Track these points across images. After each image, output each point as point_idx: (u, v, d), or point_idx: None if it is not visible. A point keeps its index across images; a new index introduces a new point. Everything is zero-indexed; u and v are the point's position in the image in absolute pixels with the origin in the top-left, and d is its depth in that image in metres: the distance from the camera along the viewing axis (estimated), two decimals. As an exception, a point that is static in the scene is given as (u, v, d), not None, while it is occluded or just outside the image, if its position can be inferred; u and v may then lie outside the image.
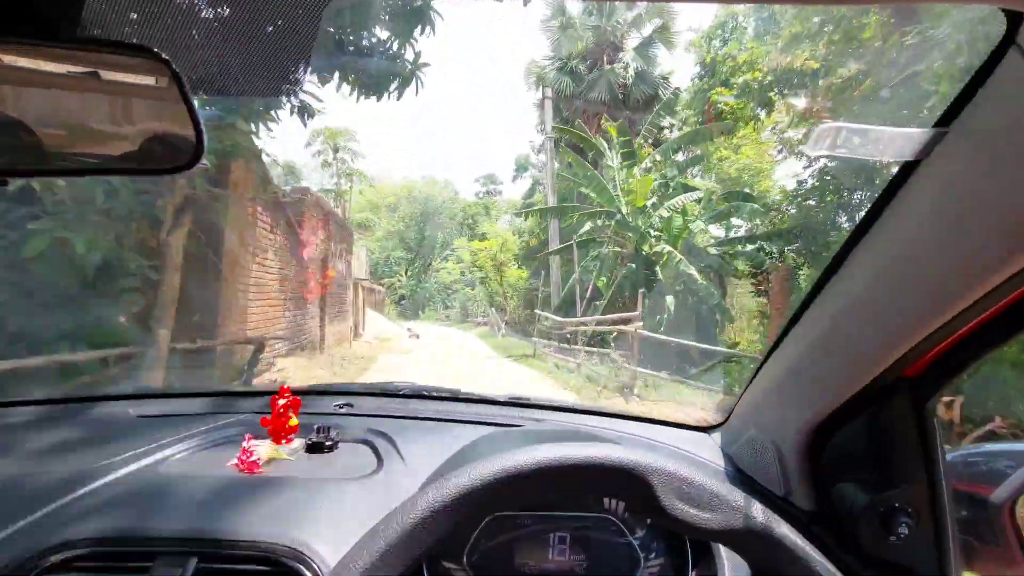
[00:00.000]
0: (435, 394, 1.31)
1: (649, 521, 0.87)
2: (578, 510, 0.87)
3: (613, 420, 1.23)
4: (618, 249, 12.03)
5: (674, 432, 1.17)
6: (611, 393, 7.53)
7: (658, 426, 1.21)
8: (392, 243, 34.63)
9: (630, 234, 11.33)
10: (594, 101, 15.73)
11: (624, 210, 11.38)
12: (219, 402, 1.31)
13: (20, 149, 0.45)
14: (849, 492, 0.77)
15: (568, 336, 12.09)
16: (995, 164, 0.45)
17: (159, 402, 1.29)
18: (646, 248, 11.23)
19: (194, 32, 0.43)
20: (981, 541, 0.84)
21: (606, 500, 0.90)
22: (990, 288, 0.49)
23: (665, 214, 10.84)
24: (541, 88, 17.33)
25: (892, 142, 0.50)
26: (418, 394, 1.31)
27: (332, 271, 10.96)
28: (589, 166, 11.89)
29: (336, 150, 23.34)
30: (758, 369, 0.93)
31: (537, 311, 15.74)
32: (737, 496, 0.54)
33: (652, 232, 11.31)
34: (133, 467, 0.91)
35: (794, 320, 0.80)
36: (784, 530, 0.54)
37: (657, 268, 11.16)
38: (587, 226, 12.46)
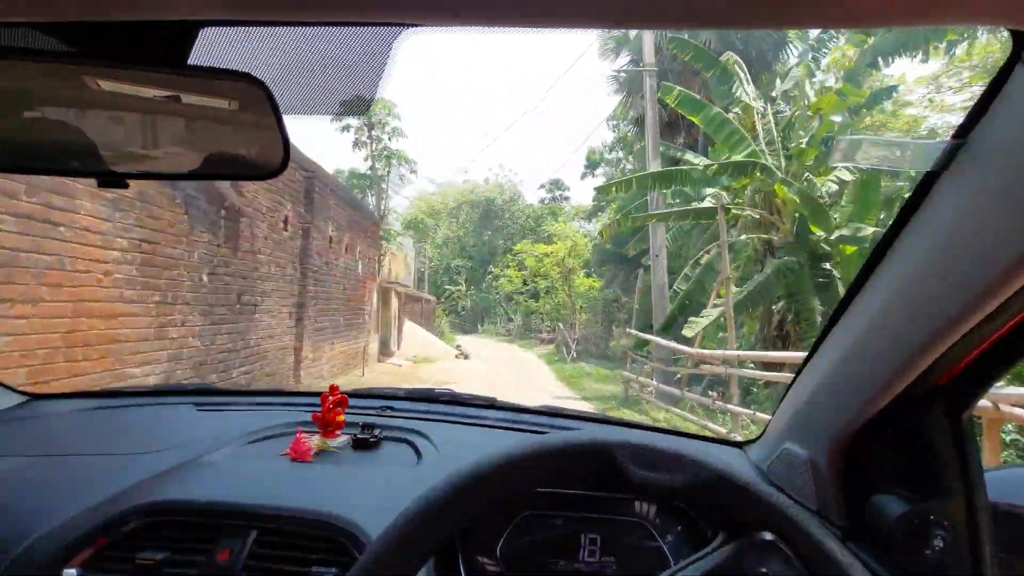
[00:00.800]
0: (472, 401, 1.36)
1: (680, 528, 0.89)
2: (610, 513, 0.90)
3: (645, 433, 1.25)
4: (763, 236, 7.92)
5: (707, 447, 1.18)
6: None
7: (691, 440, 1.22)
8: (451, 250, 32.73)
9: (789, 204, 7.04)
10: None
11: (777, 164, 7.34)
12: (271, 400, 1.40)
13: (140, 158, 0.54)
14: (884, 505, 0.77)
15: (677, 372, 8.92)
16: (1012, 172, 0.48)
17: (216, 397, 1.39)
18: (819, 229, 6.97)
19: (284, 62, 0.52)
20: (1019, 558, 0.82)
21: (637, 504, 0.92)
22: (1013, 292, 0.52)
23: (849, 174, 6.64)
24: None
25: (913, 153, 0.53)
26: (456, 400, 1.37)
27: (336, 271, 9.16)
28: (710, 104, 8.32)
29: (371, 128, 20.41)
30: (792, 382, 0.94)
31: (628, 330, 13.29)
32: (699, 454, 0.56)
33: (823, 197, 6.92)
34: (195, 452, 1.00)
35: (826, 332, 0.82)
36: (741, 474, 0.56)
37: (829, 264, 7.10)
38: (707, 199, 8.85)
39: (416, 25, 0.45)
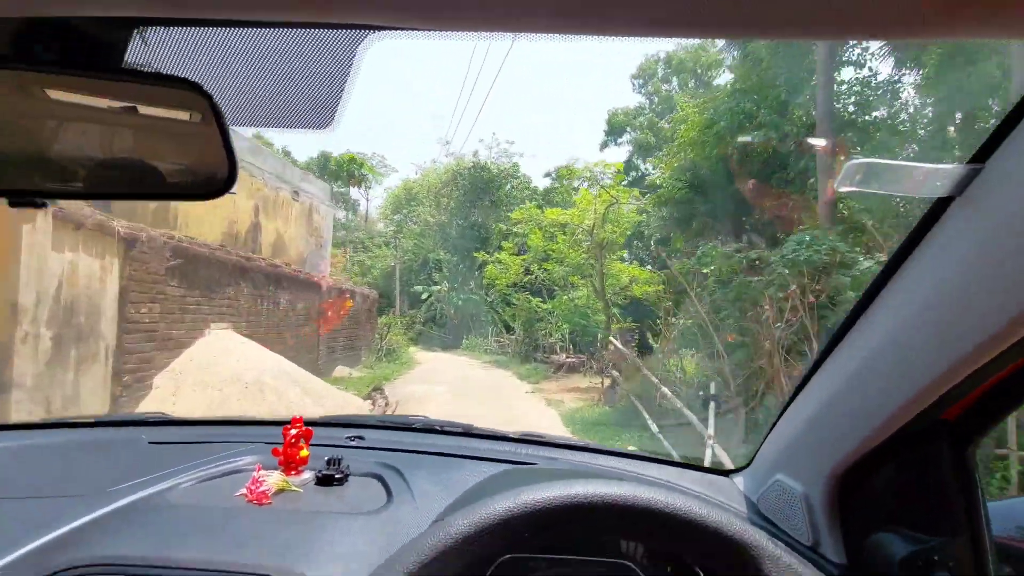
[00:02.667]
0: (448, 428, 1.30)
1: (669, 569, 0.83)
2: (596, 554, 0.84)
3: (632, 461, 1.21)
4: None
5: (695, 475, 1.14)
6: None
7: (678, 468, 1.17)
8: (431, 241, 24.60)
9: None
10: None
11: None
12: (230, 431, 1.30)
13: (63, 172, 0.47)
14: (886, 543, 0.74)
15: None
16: None
17: (170, 429, 1.29)
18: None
19: (233, 67, 0.45)
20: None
21: (623, 544, 0.87)
22: None
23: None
24: None
25: (924, 178, 0.50)
26: (430, 428, 1.30)
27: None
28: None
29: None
30: (783, 409, 0.91)
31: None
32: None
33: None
34: (142, 494, 0.94)
35: (823, 357, 0.79)
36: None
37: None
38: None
39: (382, 28, 0.39)
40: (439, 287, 22.15)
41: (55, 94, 0.48)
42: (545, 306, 15.80)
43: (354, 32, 0.49)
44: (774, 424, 1.01)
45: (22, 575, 0.78)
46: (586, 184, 14.04)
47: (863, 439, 0.76)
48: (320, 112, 0.52)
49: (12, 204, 0.49)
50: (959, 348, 0.58)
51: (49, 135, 0.49)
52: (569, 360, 14.14)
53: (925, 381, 0.64)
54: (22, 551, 0.82)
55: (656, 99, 22.21)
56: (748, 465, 1.13)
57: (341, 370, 11.57)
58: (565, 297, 14.33)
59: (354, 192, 29.25)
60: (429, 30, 0.38)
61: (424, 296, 22.05)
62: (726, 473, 1.19)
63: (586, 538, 0.89)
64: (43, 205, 0.51)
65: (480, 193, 23.54)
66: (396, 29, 0.40)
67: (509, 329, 18.92)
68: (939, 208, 0.56)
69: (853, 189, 0.54)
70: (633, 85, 22.11)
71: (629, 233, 13.91)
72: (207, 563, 0.80)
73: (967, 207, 0.53)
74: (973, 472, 0.73)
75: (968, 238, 0.54)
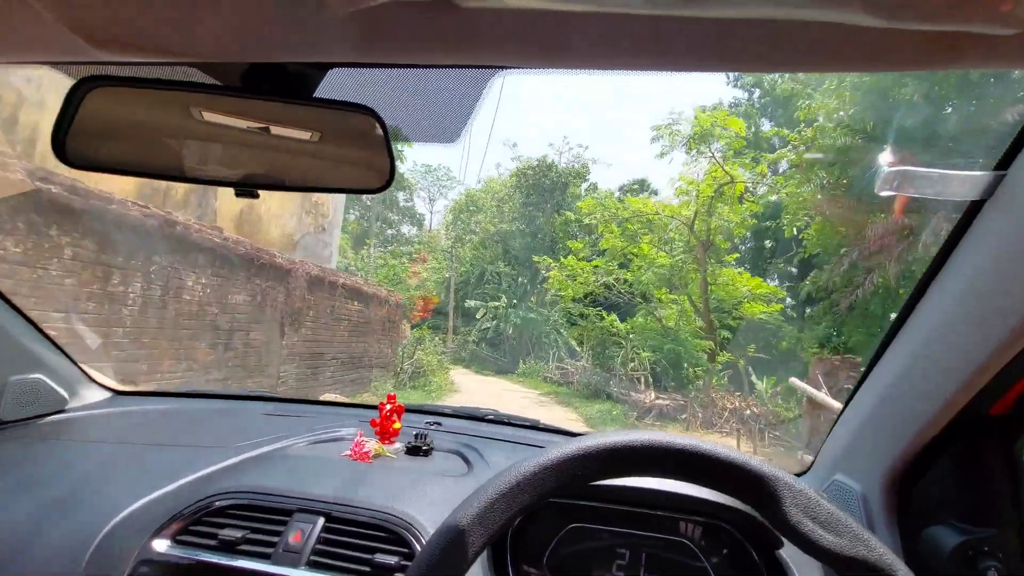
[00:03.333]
0: (516, 422, 1.43)
1: (725, 551, 0.91)
2: (656, 531, 0.93)
3: None
4: None
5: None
6: None
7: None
8: (491, 252, 21.85)
9: None
10: None
11: None
12: (330, 409, 1.50)
13: (272, 171, 0.65)
14: (937, 536, 0.80)
15: None
16: None
17: (279, 404, 1.50)
18: None
19: (395, 96, 0.62)
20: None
21: (682, 524, 0.96)
22: None
23: None
24: None
25: (956, 183, 0.60)
26: (501, 420, 1.43)
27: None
28: None
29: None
30: (841, 412, 0.97)
31: None
32: (860, 527, 0.56)
33: None
34: (264, 449, 1.10)
35: (875, 361, 0.86)
36: (905, 570, 0.55)
37: None
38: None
39: (507, 68, 0.55)
40: (497, 303, 19.45)
41: (269, 114, 0.67)
42: (622, 326, 12.32)
43: (483, 71, 0.65)
44: (832, 426, 1.06)
45: (184, 499, 1.00)
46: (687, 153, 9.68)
47: (915, 436, 0.82)
48: (452, 130, 0.69)
49: (238, 194, 0.69)
50: (996, 337, 0.65)
51: (264, 145, 0.68)
52: (660, 401, 10.22)
53: (968, 373, 0.71)
54: (181, 481, 1.04)
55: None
56: (810, 468, 1.18)
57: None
58: (649, 315, 11.24)
59: (420, 205, 29.42)
60: (543, 69, 0.53)
61: (479, 313, 19.34)
62: None
63: (649, 511, 0.98)
64: (256, 196, 0.70)
65: (546, 195, 20.92)
66: (519, 69, 0.55)
67: (574, 355, 15.46)
68: (973, 211, 0.64)
69: (892, 193, 0.63)
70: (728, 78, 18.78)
71: (751, 226, 10.01)
72: (327, 497, 0.98)
73: (995, 209, 0.62)
74: (1020, 465, 0.77)
75: (998, 237, 0.62)
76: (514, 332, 19.14)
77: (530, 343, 18.84)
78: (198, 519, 0.96)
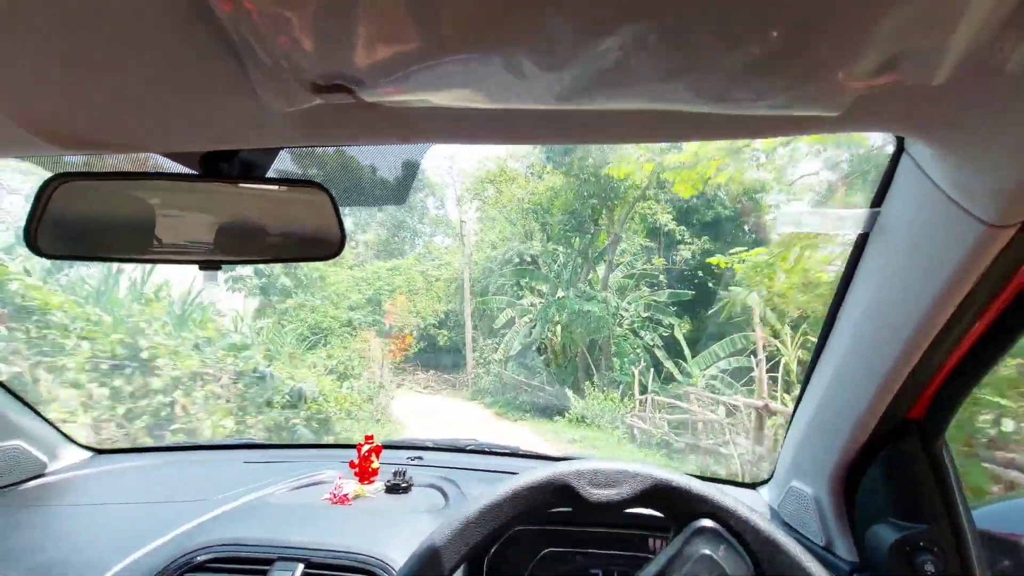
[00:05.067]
0: (496, 450, 1.48)
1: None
2: (626, 550, 0.99)
3: None
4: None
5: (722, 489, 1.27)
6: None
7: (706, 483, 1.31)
8: (525, 225, 15.24)
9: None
10: None
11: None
12: (309, 452, 1.54)
13: (230, 246, 0.71)
14: (879, 533, 0.87)
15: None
16: (916, 229, 0.62)
17: (260, 452, 1.53)
18: None
19: (344, 168, 0.70)
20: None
21: (651, 541, 1.02)
22: (938, 329, 0.64)
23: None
24: None
25: (843, 219, 0.68)
26: (480, 450, 1.48)
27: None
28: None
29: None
30: (790, 422, 1.05)
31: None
32: (641, 467, 0.70)
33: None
34: (244, 499, 1.13)
35: (810, 373, 0.93)
36: (675, 476, 0.69)
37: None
38: None
39: (438, 142, 0.63)
40: (533, 298, 13.23)
41: (227, 194, 0.74)
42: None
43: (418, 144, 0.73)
44: (785, 435, 1.13)
45: (167, 556, 1.04)
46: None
47: (849, 441, 0.90)
48: (398, 193, 0.76)
49: (201, 268, 0.75)
50: (894, 348, 0.74)
51: (223, 223, 0.74)
52: None
53: (878, 383, 0.79)
54: (164, 538, 1.07)
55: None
56: (771, 477, 1.25)
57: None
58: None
59: (452, 211, 20.17)
60: (458, 143, 0.60)
61: (503, 316, 13.32)
62: (752, 486, 1.31)
63: (618, 531, 1.04)
64: (219, 267, 0.76)
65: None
66: (447, 143, 0.63)
67: (658, 377, 9.31)
68: (861, 242, 0.73)
69: (791, 230, 0.72)
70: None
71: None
72: (306, 544, 1.02)
73: (876, 240, 0.70)
74: (943, 462, 0.85)
75: (881, 263, 0.71)
76: (564, 338, 12.47)
77: (588, 358, 11.92)
78: (181, 575, 1.00)
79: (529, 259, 14.14)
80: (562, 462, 0.70)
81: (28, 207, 0.66)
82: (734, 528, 0.67)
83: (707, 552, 0.66)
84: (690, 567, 0.66)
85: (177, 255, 0.76)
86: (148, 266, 5.99)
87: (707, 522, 0.68)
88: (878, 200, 0.71)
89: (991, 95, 0.47)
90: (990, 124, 0.51)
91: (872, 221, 0.71)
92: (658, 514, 0.71)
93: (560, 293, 12.39)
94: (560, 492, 0.68)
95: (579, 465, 0.70)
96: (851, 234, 0.72)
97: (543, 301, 12.76)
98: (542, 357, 12.42)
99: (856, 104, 0.44)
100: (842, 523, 0.96)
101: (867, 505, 0.94)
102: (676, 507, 0.69)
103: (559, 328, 12.21)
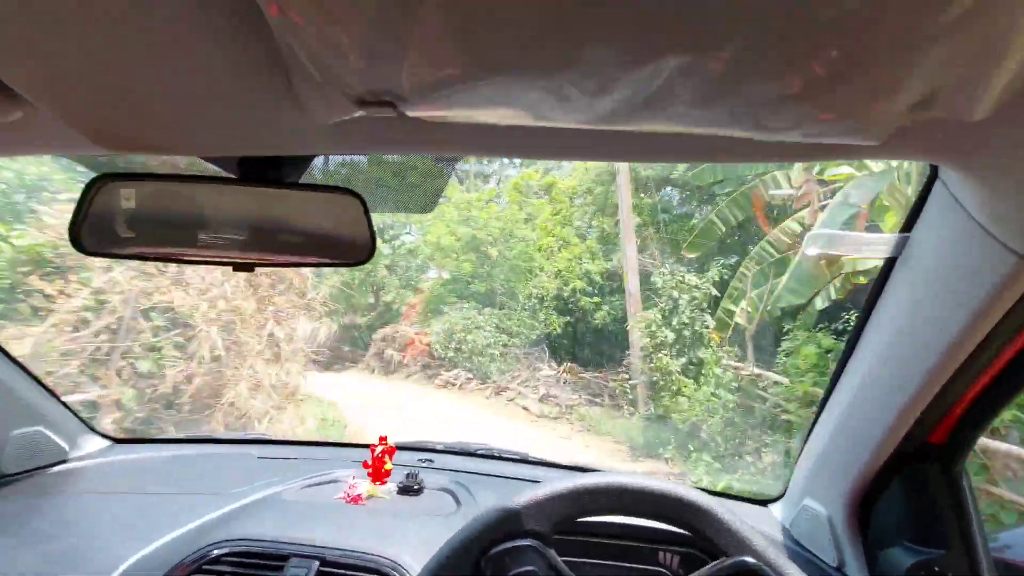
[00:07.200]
0: (506, 455, 1.49)
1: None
2: (636, 562, 1.00)
3: None
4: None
5: (731, 504, 1.26)
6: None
7: (717, 499, 1.32)
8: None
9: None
10: None
11: None
12: (324, 451, 1.56)
13: (266, 247, 0.73)
14: (894, 557, 0.86)
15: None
16: (945, 254, 0.63)
17: (274, 447, 1.56)
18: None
19: (373, 177, 0.72)
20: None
21: (661, 555, 1.03)
22: (968, 353, 0.64)
23: None
24: None
25: (872, 243, 0.68)
26: (491, 455, 1.49)
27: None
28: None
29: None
30: (805, 440, 1.05)
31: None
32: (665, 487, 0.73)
33: None
34: (260, 495, 1.15)
35: (829, 392, 0.94)
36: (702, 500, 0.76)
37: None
38: None
39: (473, 155, 0.65)
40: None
41: (264, 199, 0.76)
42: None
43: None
44: (799, 453, 1.13)
45: (183, 548, 1.06)
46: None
47: (867, 463, 0.90)
48: (427, 202, 0.78)
49: (235, 269, 0.77)
50: (919, 373, 0.74)
51: (259, 226, 0.77)
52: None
53: (901, 405, 0.79)
54: (180, 531, 1.09)
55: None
56: (783, 495, 1.24)
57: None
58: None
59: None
60: (491, 157, 0.62)
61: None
62: (763, 503, 1.30)
63: (630, 543, 1.04)
64: (252, 270, 0.79)
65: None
66: (473, 156, 0.65)
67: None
68: (888, 266, 0.73)
69: (820, 252, 0.72)
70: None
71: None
72: (321, 542, 1.05)
73: (905, 265, 0.71)
74: (962, 488, 0.85)
75: (909, 288, 0.71)
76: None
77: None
78: (198, 568, 1.02)
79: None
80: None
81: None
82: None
83: None
84: None
85: (213, 256, 0.79)
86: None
87: (752, 560, 0.71)
88: (908, 225, 0.72)
89: None
90: None
91: (902, 246, 0.71)
92: (670, 527, 0.72)
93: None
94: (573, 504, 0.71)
95: (600, 479, 0.72)
96: (880, 258, 0.72)
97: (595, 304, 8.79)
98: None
99: (894, 133, 0.45)
100: (856, 545, 0.96)
101: (882, 528, 0.94)
102: (706, 535, 0.73)
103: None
